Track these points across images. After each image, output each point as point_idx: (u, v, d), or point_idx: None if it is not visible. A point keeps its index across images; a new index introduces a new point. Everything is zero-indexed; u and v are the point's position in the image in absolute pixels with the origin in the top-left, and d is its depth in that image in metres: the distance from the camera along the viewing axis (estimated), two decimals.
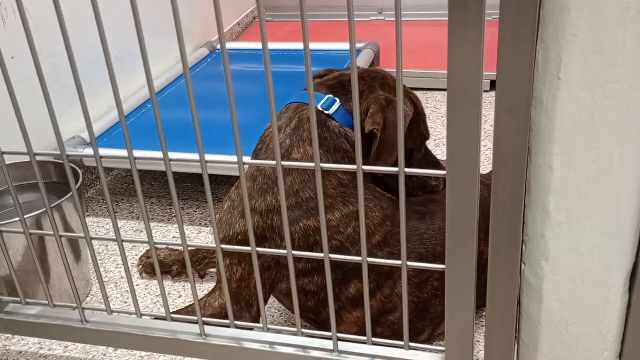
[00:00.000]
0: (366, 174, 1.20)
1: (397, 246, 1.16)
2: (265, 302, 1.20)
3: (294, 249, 1.11)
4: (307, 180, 1.13)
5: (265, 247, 1.13)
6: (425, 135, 1.30)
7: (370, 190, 1.19)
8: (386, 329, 1.18)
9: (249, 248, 0.97)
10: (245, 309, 1.18)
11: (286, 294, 1.19)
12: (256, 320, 1.20)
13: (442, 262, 1.16)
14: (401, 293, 1.16)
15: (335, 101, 1.18)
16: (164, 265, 1.51)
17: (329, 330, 1.16)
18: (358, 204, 1.13)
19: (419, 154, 1.30)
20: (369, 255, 1.12)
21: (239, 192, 1.19)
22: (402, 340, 1.16)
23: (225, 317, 1.20)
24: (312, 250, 1.12)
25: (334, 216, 1.12)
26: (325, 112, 1.16)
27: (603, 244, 0.83)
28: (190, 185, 1.90)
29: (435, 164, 1.32)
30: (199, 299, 1.22)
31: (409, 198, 1.29)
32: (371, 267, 1.13)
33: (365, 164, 1.14)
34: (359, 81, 1.21)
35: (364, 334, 1.15)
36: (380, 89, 1.21)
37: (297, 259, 1.12)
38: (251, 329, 1.06)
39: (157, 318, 1.11)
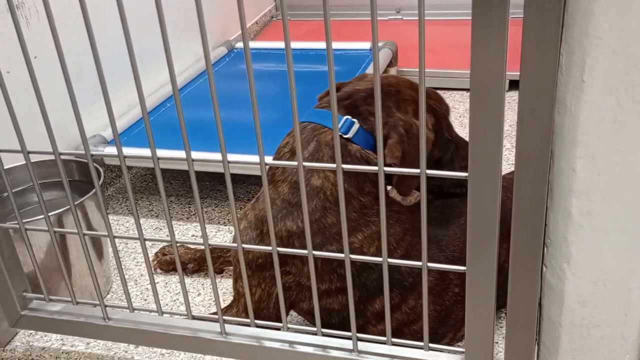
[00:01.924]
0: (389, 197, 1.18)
1: (417, 255, 1.15)
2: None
3: (316, 272, 1.10)
4: (328, 208, 1.10)
5: (286, 269, 1.12)
6: (451, 135, 1.28)
7: (390, 207, 1.17)
8: (410, 337, 1.18)
9: (269, 248, 0.97)
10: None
11: (308, 312, 1.19)
12: None
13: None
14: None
15: (354, 123, 1.13)
16: (180, 263, 1.51)
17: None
18: (379, 224, 1.12)
19: (447, 154, 1.28)
20: (393, 270, 1.12)
21: (255, 214, 1.16)
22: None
23: None
24: (334, 273, 1.11)
25: (356, 238, 1.11)
26: (345, 135, 1.12)
27: (625, 246, 0.83)
28: (209, 184, 1.92)
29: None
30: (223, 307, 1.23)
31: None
32: (396, 281, 1.13)
33: (388, 188, 1.15)
34: (372, 99, 1.16)
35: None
36: (396, 108, 1.16)
37: (320, 281, 1.12)
38: (277, 328, 1.06)
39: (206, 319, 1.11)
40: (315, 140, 1.14)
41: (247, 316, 1.17)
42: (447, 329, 1.21)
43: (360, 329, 1.16)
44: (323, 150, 1.12)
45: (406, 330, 1.17)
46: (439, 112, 1.25)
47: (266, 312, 1.17)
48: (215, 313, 1.25)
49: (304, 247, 1.08)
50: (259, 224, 1.15)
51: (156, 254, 1.57)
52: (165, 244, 1.59)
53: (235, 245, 0.99)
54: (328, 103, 1.20)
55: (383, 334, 1.16)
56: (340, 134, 1.12)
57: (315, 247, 1.09)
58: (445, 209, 1.26)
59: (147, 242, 1.66)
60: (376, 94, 0.79)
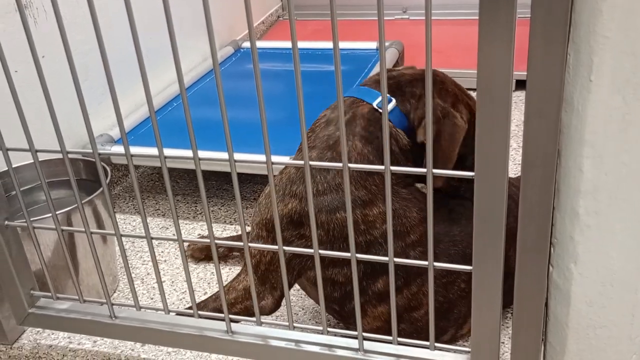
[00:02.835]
0: (410, 175, 1.19)
1: (434, 246, 1.15)
2: (290, 286, 1.20)
3: (328, 238, 1.11)
4: (352, 176, 1.12)
5: (301, 232, 1.13)
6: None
7: (411, 191, 1.18)
8: (408, 325, 1.18)
9: (275, 247, 0.98)
10: (269, 291, 1.18)
11: (314, 282, 1.18)
12: (278, 303, 1.19)
13: (471, 264, 1.16)
14: (427, 292, 1.16)
15: (391, 100, 1.18)
16: (207, 249, 1.58)
17: (351, 322, 1.17)
18: (399, 203, 1.14)
19: (472, 154, 1.29)
20: (401, 254, 1.12)
21: (281, 177, 1.19)
22: (423, 337, 1.17)
23: (248, 299, 1.21)
24: (346, 240, 1.12)
25: (371, 212, 1.12)
26: (380, 110, 1.16)
27: (632, 246, 0.82)
28: (215, 183, 1.92)
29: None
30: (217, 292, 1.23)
31: (445, 200, 1.28)
32: (401, 264, 1.13)
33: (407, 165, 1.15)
34: (416, 83, 1.20)
35: (387, 329, 1.16)
36: (437, 96, 1.20)
37: (330, 247, 1.12)
38: (292, 327, 1.06)
39: (182, 314, 1.12)
40: (352, 112, 1.18)
41: (258, 281, 1.18)
42: (449, 323, 1.21)
43: (360, 308, 1.16)
44: (357, 121, 1.17)
45: (405, 316, 1.17)
46: (474, 111, 1.25)
47: (275, 274, 1.17)
48: (215, 295, 1.26)
49: (320, 209, 1.11)
50: (283, 187, 1.17)
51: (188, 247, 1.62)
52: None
53: (241, 244, 0.99)
54: (372, 82, 1.24)
55: (382, 315, 1.17)
56: (376, 108, 1.17)
57: (330, 211, 1.11)
58: (460, 206, 1.26)
59: (153, 241, 1.67)
60: (383, 94, 0.79)
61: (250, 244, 0.99)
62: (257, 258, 1.18)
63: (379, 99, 1.17)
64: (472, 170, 1.29)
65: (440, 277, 1.17)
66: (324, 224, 1.12)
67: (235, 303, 1.19)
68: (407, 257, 1.13)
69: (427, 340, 1.08)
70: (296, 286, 1.32)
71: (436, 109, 1.17)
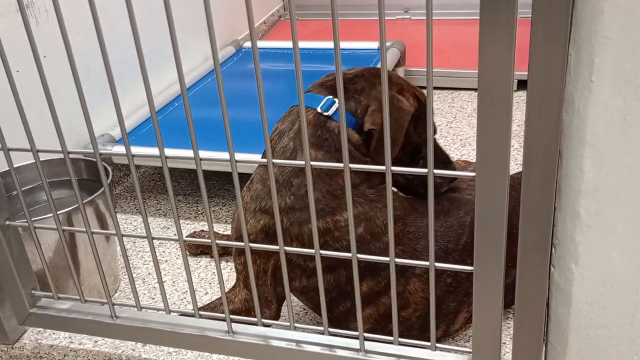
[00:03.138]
0: (375, 175, 1.20)
1: (409, 244, 1.16)
2: (283, 298, 1.21)
3: (303, 247, 1.12)
4: (314, 182, 1.13)
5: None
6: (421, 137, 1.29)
7: (379, 191, 1.18)
8: (398, 324, 1.18)
9: (276, 247, 0.98)
10: (265, 305, 1.19)
11: (300, 291, 1.19)
12: (275, 317, 1.20)
13: (454, 258, 1.16)
14: (413, 290, 1.16)
15: (334, 102, 1.18)
16: (205, 246, 1.59)
17: (342, 326, 1.17)
18: (368, 205, 1.14)
19: (425, 148, 1.29)
20: (381, 254, 1.12)
21: (251, 194, 1.20)
22: (414, 335, 1.17)
23: (247, 311, 1.22)
24: (321, 248, 1.11)
25: (342, 217, 1.12)
26: (325, 113, 1.17)
27: (633, 247, 0.82)
28: (216, 183, 1.92)
29: (443, 160, 1.31)
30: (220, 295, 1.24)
31: (421, 196, 1.28)
32: (383, 264, 1.13)
33: (366, 161, 1.16)
34: (357, 79, 1.21)
35: (377, 329, 1.17)
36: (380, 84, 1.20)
37: (309, 258, 1.13)
38: (293, 328, 1.06)
39: (184, 314, 1.12)
40: (298, 120, 1.18)
41: (247, 293, 1.18)
42: (438, 319, 1.21)
43: (348, 312, 1.17)
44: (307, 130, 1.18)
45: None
46: (422, 101, 1.26)
47: (264, 288, 1.19)
48: (215, 302, 1.26)
49: (292, 223, 1.12)
50: (252, 202, 1.18)
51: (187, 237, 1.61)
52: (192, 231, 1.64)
53: (242, 244, 0.99)
54: (315, 87, 1.24)
55: (370, 317, 1.18)
56: (320, 111, 1.17)
57: (301, 223, 1.12)
58: (444, 201, 1.26)
59: (154, 241, 1.67)
60: (384, 95, 0.79)
61: (250, 245, 0.99)
62: (243, 274, 1.21)
63: (323, 101, 1.18)
64: (424, 161, 1.29)
65: (424, 273, 1.17)
66: (298, 237, 1.13)
67: (234, 314, 1.20)
68: (384, 256, 1.13)
69: (418, 338, 1.08)
70: None
71: (379, 97, 1.18)
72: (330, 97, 1.19)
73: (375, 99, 1.18)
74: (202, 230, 1.67)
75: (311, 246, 1.12)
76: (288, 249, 0.98)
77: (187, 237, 1.62)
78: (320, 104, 1.17)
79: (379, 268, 1.13)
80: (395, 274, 1.15)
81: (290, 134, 1.18)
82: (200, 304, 1.41)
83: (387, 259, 0.93)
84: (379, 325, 1.18)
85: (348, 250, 1.11)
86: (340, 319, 1.18)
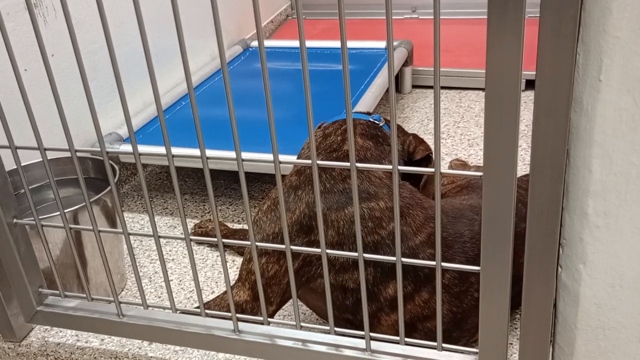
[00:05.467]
0: (406, 178, 1.29)
1: (442, 249, 1.13)
2: (286, 301, 1.18)
3: (339, 238, 1.11)
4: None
5: (311, 238, 1.12)
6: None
7: (410, 191, 1.18)
8: (422, 336, 1.15)
9: (283, 246, 0.98)
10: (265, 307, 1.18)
11: (322, 292, 1.17)
12: (271, 317, 1.18)
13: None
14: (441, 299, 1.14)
15: (381, 119, 1.33)
16: (213, 236, 1.62)
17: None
18: (401, 201, 1.14)
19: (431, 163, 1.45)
20: (410, 255, 1.11)
21: (283, 187, 1.18)
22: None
23: (242, 313, 1.20)
24: (355, 244, 1.11)
25: (378, 205, 1.12)
26: (377, 122, 1.32)
27: None
28: (223, 182, 1.92)
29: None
30: (220, 293, 1.23)
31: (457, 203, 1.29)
32: (410, 268, 1.11)
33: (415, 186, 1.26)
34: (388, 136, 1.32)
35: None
36: (402, 134, 1.40)
37: (339, 248, 1.12)
38: (299, 327, 1.05)
39: (189, 313, 1.12)
40: (345, 127, 1.26)
41: (253, 296, 1.17)
42: (462, 333, 1.18)
43: (372, 316, 1.14)
44: (356, 127, 1.29)
45: (419, 326, 1.15)
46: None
47: (275, 288, 1.15)
48: (218, 298, 1.26)
49: (329, 207, 1.13)
50: (290, 196, 1.17)
51: (194, 226, 1.68)
52: (197, 221, 1.72)
53: (248, 243, 0.99)
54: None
55: (396, 324, 1.15)
56: (373, 120, 1.32)
57: (338, 207, 1.12)
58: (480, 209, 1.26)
59: (161, 240, 1.68)
60: (391, 97, 0.79)
61: (257, 243, 0.99)
62: (253, 276, 1.17)
63: (373, 117, 1.33)
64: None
65: (453, 286, 1.14)
66: (334, 223, 1.11)
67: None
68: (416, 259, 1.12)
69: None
70: None
71: (414, 135, 1.40)
72: (380, 116, 1.34)
73: (413, 136, 1.37)
74: (208, 220, 1.70)
75: (346, 233, 1.11)
76: (295, 248, 0.98)
77: (192, 226, 1.66)
78: (371, 117, 1.32)
79: (405, 273, 1.12)
80: (421, 280, 1.13)
81: (337, 132, 1.26)
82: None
83: (393, 258, 0.92)
84: (405, 334, 1.16)
85: (378, 244, 1.11)
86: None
